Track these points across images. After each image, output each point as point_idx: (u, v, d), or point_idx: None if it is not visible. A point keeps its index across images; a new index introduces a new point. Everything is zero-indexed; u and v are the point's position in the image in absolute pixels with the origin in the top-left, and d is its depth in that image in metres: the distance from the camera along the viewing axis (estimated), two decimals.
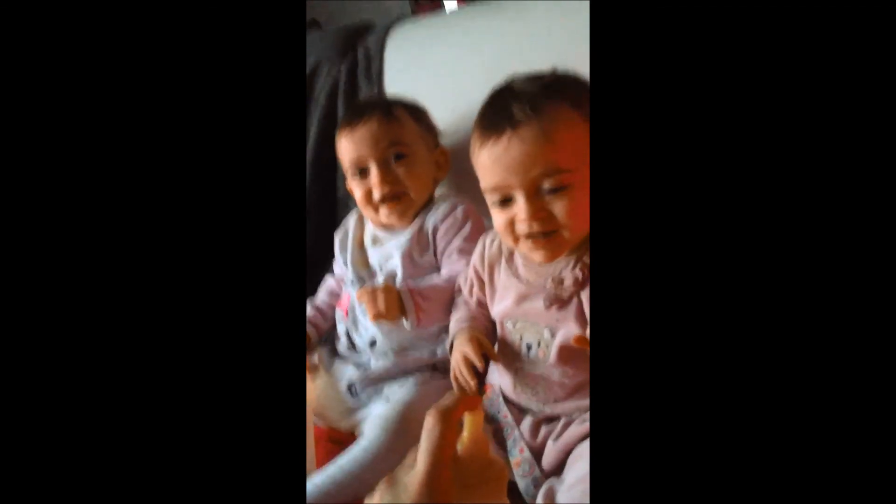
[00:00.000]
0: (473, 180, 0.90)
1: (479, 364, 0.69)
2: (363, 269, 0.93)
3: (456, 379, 0.72)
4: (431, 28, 1.11)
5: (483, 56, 1.00)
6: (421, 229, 0.88)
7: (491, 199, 0.68)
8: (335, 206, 1.10)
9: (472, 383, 0.70)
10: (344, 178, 1.08)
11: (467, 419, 0.49)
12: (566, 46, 0.91)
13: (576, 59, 0.88)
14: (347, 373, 0.86)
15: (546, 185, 0.63)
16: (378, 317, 0.77)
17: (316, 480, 0.71)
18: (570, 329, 0.67)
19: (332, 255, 1.02)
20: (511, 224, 0.66)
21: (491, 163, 0.66)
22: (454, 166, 0.94)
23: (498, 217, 0.68)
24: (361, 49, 1.10)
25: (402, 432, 0.71)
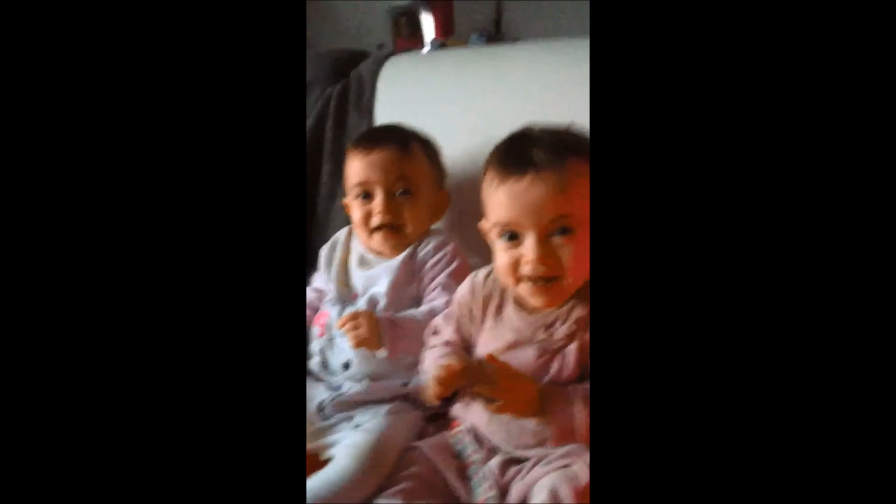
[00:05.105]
0: (462, 221, 0.93)
1: (451, 385, 0.68)
2: (344, 289, 0.94)
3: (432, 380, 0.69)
4: (425, 66, 1.14)
5: (471, 99, 1.04)
6: (412, 257, 0.91)
7: (498, 233, 0.71)
8: (312, 224, 1.12)
9: (437, 393, 0.68)
10: (329, 198, 1.10)
11: None
12: (556, 96, 0.97)
13: (566, 109, 0.93)
14: (319, 393, 0.87)
15: (556, 229, 0.67)
16: (361, 344, 0.80)
17: None
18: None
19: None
20: (515, 264, 0.69)
21: (508, 199, 0.68)
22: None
23: (502, 254, 0.71)
24: (354, 77, 1.13)
25: (374, 464, 0.72)
